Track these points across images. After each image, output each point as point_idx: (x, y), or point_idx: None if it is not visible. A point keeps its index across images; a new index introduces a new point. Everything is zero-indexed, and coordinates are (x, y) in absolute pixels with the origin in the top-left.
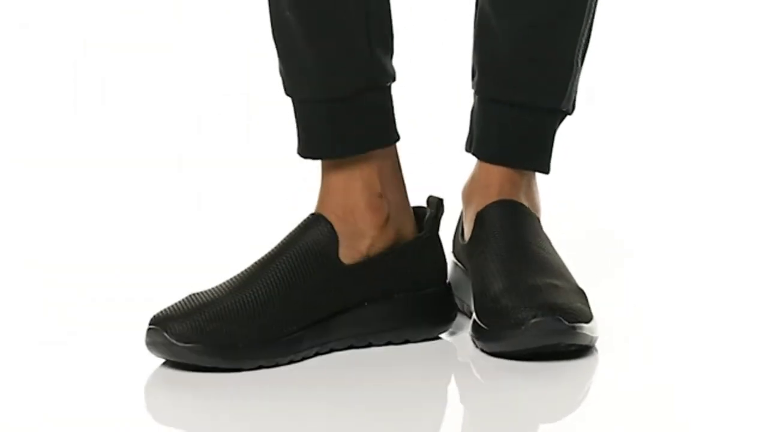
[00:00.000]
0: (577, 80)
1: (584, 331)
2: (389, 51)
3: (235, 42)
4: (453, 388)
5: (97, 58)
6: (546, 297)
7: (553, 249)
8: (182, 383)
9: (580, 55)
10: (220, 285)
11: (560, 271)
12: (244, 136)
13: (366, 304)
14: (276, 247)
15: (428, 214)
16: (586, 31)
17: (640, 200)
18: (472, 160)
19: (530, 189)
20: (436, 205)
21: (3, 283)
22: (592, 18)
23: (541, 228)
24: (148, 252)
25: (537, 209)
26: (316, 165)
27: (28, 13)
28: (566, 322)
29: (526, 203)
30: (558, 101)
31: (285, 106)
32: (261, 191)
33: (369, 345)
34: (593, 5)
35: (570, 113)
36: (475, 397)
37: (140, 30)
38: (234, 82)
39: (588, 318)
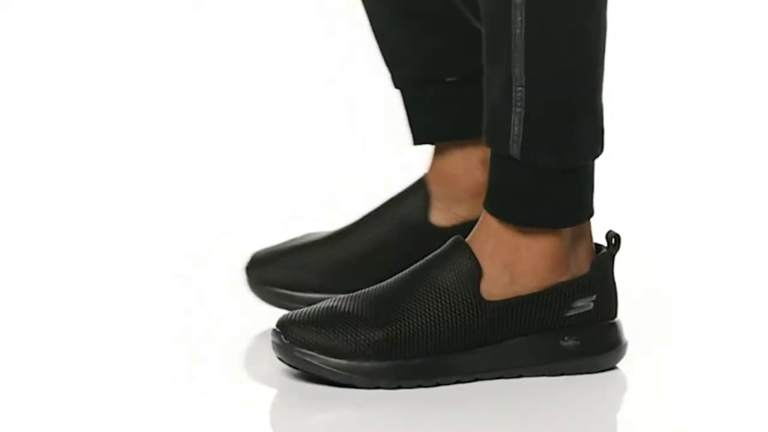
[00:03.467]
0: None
1: None
2: None
3: (235, 42)
4: None
5: (97, 57)
6: None
7: None
8: (190, 386)
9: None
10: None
11: None
12: (244, 136)
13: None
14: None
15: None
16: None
17: (637, 199)
18: None
19: None
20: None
21: (3, 283)
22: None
23: None
24: (148, 252)
25: None
26: (316, 167)
27: (28, 13)
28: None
29: None
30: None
31: (286, 107)
32: (261, 191)
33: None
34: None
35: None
36: None
37: (140, 30)
38: (234, 82)
39: None
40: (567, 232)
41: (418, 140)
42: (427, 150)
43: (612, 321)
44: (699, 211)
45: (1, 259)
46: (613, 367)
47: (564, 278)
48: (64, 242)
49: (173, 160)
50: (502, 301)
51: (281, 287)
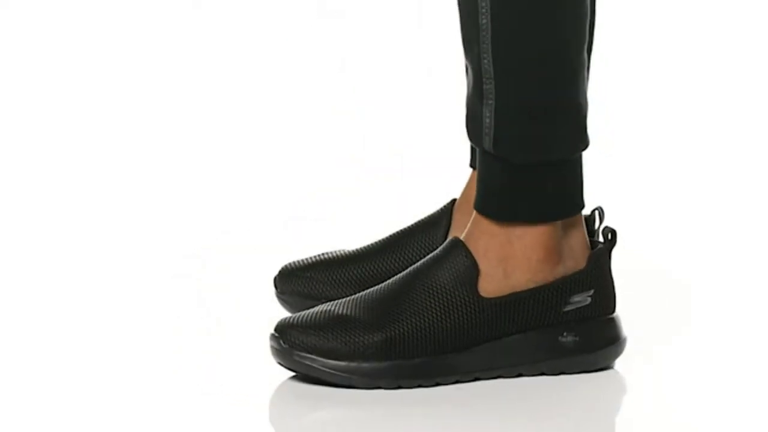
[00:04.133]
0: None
1: None
2: None
3: (235, 42)
4: None
5: (97, 57)
6: None
7: None
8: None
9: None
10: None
11: None
12: (245, 136)
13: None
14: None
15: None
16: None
17: (635, 197)
18: None
19: None
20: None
21: (3, 282)
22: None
23: None
24: (148, 252)
25: None
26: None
27: (28, 13)
28: None
29: None
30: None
31: (286, 106)
32: (261, 191)
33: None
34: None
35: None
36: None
37: (141, 30)
38: (234, 82)
39: None
40: (557, 223)
41: (474, 163)
42: (445, 169)
43: (610, 316)
44: (698, 209)
45: (2, 259)
46: (611, 366)
47: (558, 271)
48: (64, 242)
49: (173, 160)
50: (500, 298)
51: (306, 298)
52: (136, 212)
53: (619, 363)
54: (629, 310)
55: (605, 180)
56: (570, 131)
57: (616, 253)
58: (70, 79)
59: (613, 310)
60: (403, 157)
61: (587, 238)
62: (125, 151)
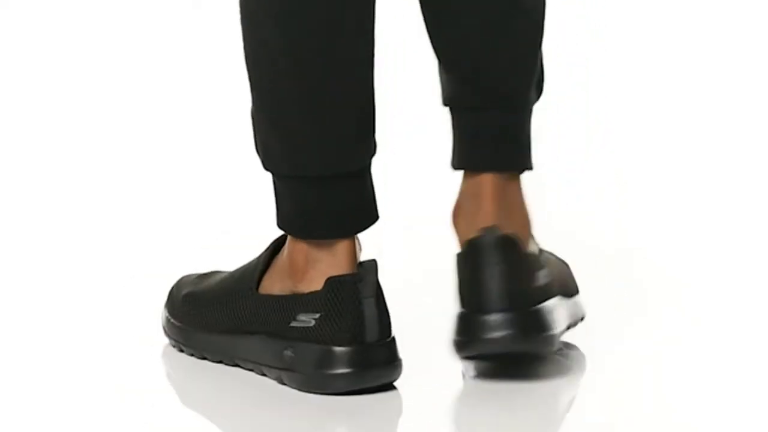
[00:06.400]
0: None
1: None
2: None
3: (235, 42)
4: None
5: (97, 57)
6: None
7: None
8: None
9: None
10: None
11: None
12: (245, 136)
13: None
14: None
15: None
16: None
17: (633, 200)
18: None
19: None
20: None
21: (4, 282)
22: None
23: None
24: (148, 252)
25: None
26: None
27: (28, 13)
28: None
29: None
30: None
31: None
32: (261, 191)
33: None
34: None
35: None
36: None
37: (141, 30)
38: (234, 82)
39: None
40: (302, 245)
41: (454, 163)
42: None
43: (338, 349)
44: (696, 208)
45: (2, 258)
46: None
47: (299, 287)
48: (64, 242)
49: (173, 160)
50: (261, 296)
51: None
52: (136, 212)
53: (617, 364)
54: (627, 310)
55: (604, 180)
56: (319, 146)
57: (616, 253)
58: (70, 79)
59: (348, 344)
60: (403, 157)
61: (332, 270)
62: (125, 151)
